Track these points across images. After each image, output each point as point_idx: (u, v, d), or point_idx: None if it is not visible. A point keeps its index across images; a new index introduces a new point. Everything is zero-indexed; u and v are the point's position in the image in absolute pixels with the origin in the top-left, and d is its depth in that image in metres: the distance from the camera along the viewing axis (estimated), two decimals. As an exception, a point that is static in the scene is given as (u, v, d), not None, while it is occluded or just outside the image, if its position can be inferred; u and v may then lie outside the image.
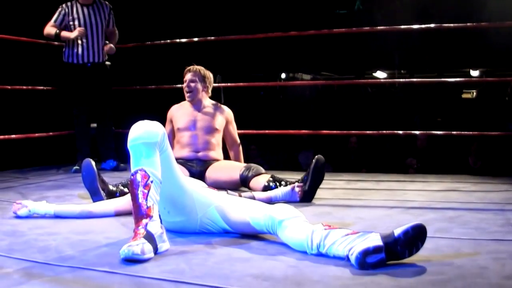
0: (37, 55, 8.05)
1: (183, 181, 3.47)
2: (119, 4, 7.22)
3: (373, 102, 12.18)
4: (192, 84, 5.53)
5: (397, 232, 2.71)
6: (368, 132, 6.87)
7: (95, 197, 4.65)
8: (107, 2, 7.15)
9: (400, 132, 6.65)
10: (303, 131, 7.18)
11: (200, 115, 5.53)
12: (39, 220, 4.00)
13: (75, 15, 6.90)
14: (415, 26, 6.59)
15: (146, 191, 3.05)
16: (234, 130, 5.75)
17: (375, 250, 2.67)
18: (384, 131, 6.76)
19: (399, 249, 2.69)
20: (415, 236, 2.73)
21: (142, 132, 3.19)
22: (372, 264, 2.67)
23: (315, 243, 2.89)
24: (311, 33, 7.03)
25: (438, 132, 6.60)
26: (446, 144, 8.86)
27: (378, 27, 6.79)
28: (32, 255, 3.04)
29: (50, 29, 6.93)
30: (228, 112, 5.68)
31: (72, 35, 6.83)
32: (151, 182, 3.08)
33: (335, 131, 7.07)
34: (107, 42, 7.21)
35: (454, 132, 6.39)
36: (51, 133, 7.28)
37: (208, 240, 3.31)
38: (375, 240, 2.71)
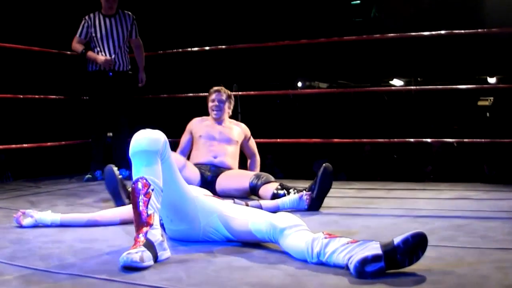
0: (50, 64, 8.09)
1: (186, 189, 3.46)
2: (133, 13, 7.23)
3: (389, 110, 12.15)
4: (221, 104, 5.88)
5: (397, 240, 2.69)
6: (379, 140, 6.85)
7: (117, 201, 4.74)
8: (130, 13, 7.15)
9: (412, 140, 6.61)
10: (315, 139, 7.15)
11: (221, 127, 5.86)
12: (45, 228, 4.01)
13: (98, 26, 6.90)
14: (426, 33, 6.56)
15: (146, 199, 3.05)
16: (253, 144, 6.10)
17: (374, 258, 2.65)
18: (396, 139, 6.73)
19: (399, 258, 2.66)
20: (416, 245, 2.69)
21: (144, 141, 3.20)
22: (371, 273, 2.64)
23: (315, 252, 2.87)
24: (322, 41, 7.02)
25: (450, 140, 6.56)
26: (461, 151, 8.83)
27: (389, 34, 6.76)
28: (33, 262, 3.05)
29: (76, 45, 6.95)
30: (245, 128, 6.04)
31: (99, 59, 6.85)
32: (152, 190, 3.08)
33: (346, 140, 7.04)
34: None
35: (466, 140, 6.36)
36: (63, 142, 7.30)
37: (210, 249, 3.30)
38: (374, 249, 2.69)
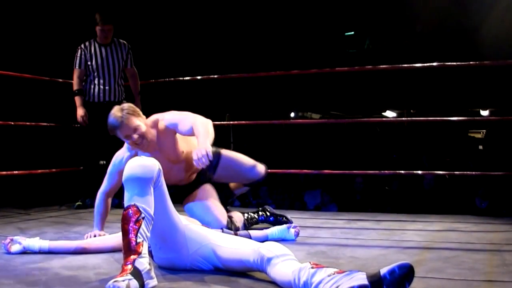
0: (41, 91, 8.10)
1: (176, 217, 3.46)
2: (126, 41, 7.25)
3: (382, 141, 12.18)
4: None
5: (383, 271, 2.68)
6: (370, 172, 6.85)
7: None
8: (125, 42, 7.14)
9: (402, 171, 6.62)
10: (306, 170, 7.16)
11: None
12: (32, 255, 4.00)
13: (93, 55, 6.87)
14: (418, 65, 6.59)
15: (136, 227, 3.04)
16: (177, 119, 4.80)
17: None
18: (386, 171, 6.75)
19: None
20: (402, 276, 2.69)
21: (138, 168, 3.20)
22: None
23: (302, 282, 2.86)
24: (313, 72, 7.05)
25: (441, 172, 6.57)
26: (453, 184, 8.83)
27: (381, 66, 6.80)
28: (19, 290, 3.04)
29: (76, 81, 6.92)
30: (161, 119, 4.87)
31: (78, 113, 6.85)
32: (143, 218, 3.08)
33: (337, 171, 7.04)
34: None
35: (457, 172, 6.37)
36: (54, 170, 7.28)
37: (199, 277, 3.29)
38: (361, 279, 2.68)
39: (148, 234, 3.11)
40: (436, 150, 11.06)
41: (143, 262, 3.00)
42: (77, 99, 6.87)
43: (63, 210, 6.92)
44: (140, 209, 3.09)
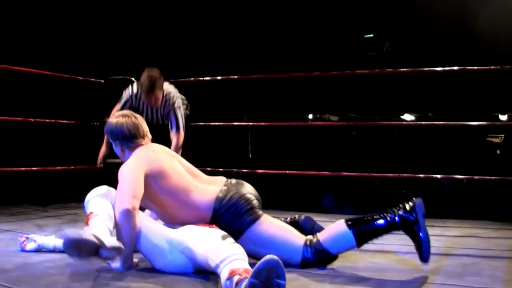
0: (61, 89, 8.11)
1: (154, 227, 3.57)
2: (146, 41, 7.25)
3: (400, 144, 12.14)
4: None
5: (252, 276, 2.70)
6: (389, 175, 6.83)
7: None
8: (175, 106, 6.27)
9: (422, 175, 6.59)
10: (324, 172, 7.14)
11: None
12: (51, 254, 4.01)
13: (140, 109, 6.19)
14: (438, 69, 6.56)
15: None
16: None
17: None
18: (405, 174, 6.73)
19: None
20: (268, 276, 2.68)
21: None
22: None
23: None
24: (334, 74, 7.02)
25: (460, 176, 6.53)
26: (471, 188, 8.79)
27: (401, 69, 6.78)
28: (38, 288, 3.04)
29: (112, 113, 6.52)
30: None
31: (101, 150, 6.39)
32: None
33: (355, 173, 7.02)
34: None
35: (476, 177, 6.33)
36: (72, 167, 7.30)
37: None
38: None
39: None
40: (454, 154, 11.00)
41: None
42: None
43: (81, 208, 6.91)
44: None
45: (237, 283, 2.78)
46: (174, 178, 3.82)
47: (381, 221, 3.77)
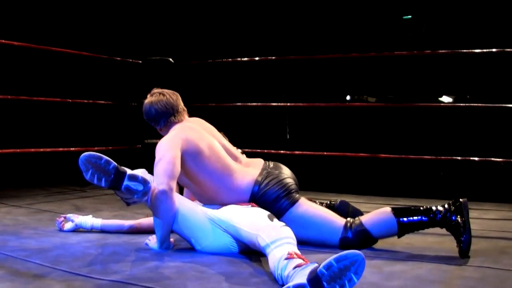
0: (99, 69, 8.14)
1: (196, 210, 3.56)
2: (184, 21, 7.24)
3: (436, 126, 12.05)
4: None
5: (321, 266, 2.58)
6: (426, 157, 6.78)
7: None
8: None
9: (459, 157, 6.54)
10: (361, 154, 7.11)
11: None
12: (89, 234, 4.04)
13: None
14: (477, 50, 6.49)
15: None
16: None
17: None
18: (443, 157, 6.67)
19: (326, 285, 2.55)
20: (342, 269, 2.56)
21: None
22: None
23: (278, 274, 2.86)
24: (372, 55, 6.98)
25: (497, 159, 6.47)
26: (509, 171, 8.69)
27: (440, 51, 6.72)
28: (76, 267, 3.07)
29: None
30: None
31: None
32: None
33: (393, 155, 6.98)
34: None
35: (514, 160, 6.26)
36: (110, 147, 7.32)
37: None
38: (302, 278, 2.61)
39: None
40: (492, 137, 10.89)
41: None
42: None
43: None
44: None
45: (296, 267, 2.75)
46: (212, 158, 3.80)
47: (425, 217, 3.70)
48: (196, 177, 3.79)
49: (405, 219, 3.71)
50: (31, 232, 4.06)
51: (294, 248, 2.95)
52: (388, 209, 3.79)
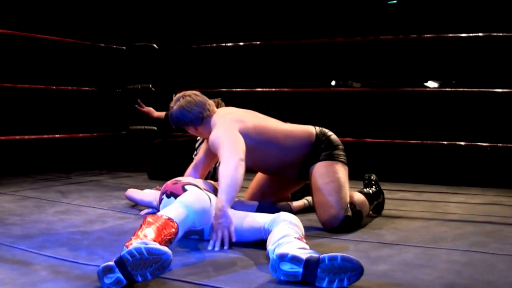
0: (83, 56, 8.11)
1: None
2: (168, 6, 7.21)
3: (421, 111, 12.07)
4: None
5: (324, 255, 2.59)
6: (412, 141, 6.80)
7: None
8: None
9: (445, 142, 6.55)
10: (347, 138, 7.12)
11: None
12: (74, 220, 4.03)
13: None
14: (463, 35, 6.50)
15: (164, 238, 2.92)
16: None
17: (293, 259, 2.61)
18: (429, 141, 6.69)
19: (319, 273, 2.56)
20: (342, 268, 2.55)
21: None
22: (285, 273, 2.62)
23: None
24: (358, 40, 6.99)
25: (483, 144, 6.48)
26: (495, 156, 8.71)
27: (426, 35, 6.73)
28: (62, 253, 3.06)
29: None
30: None
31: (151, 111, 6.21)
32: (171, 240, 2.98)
33: (378, 140, 7.00)
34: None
35: (500, 145, 6.28)
36: (95, 134, 7.30)
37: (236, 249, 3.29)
38: (307, 253, 2.67)
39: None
40: (479, 121, 10.92)
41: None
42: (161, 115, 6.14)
43: (104, 175, 6.96)
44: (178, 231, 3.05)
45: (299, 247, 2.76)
46: (268, 127, 4.02)
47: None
48: (258, 150, 3.93)
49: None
50: (17, 219, 4.05)
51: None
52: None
